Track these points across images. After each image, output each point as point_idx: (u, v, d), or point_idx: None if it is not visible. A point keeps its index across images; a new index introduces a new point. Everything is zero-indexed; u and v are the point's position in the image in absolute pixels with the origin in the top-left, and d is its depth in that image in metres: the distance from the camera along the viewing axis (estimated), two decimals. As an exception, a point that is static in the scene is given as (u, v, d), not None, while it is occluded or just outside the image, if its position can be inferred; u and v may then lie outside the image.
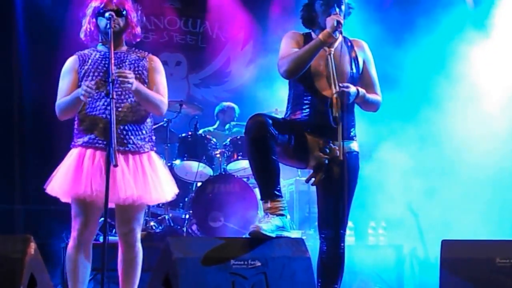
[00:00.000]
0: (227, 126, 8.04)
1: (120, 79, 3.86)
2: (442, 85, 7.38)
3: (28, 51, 8.48)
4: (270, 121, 3.90)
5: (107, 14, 4.01)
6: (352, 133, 4.19)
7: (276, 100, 7.19)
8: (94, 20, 4.13)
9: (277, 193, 3.95)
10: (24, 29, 8.56)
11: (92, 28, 4.15)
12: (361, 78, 4.23)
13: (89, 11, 4.16)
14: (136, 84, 3.97)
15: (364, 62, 4.26)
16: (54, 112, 4.09)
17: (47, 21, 8.28)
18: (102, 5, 4.10)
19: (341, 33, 4.07)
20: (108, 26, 4.00)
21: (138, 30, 4.24)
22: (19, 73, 8.55)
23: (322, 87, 4.09)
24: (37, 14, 8.43)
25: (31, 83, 8.35)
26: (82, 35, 4.20)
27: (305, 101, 4.12)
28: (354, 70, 4.17)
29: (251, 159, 3.99)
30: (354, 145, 4.20)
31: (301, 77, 4.10)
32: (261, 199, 4.00)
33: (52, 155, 4.19)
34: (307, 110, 4.11)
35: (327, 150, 4.05)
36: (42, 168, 4.14)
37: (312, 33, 4.26)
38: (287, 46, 4.15)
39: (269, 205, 3.93)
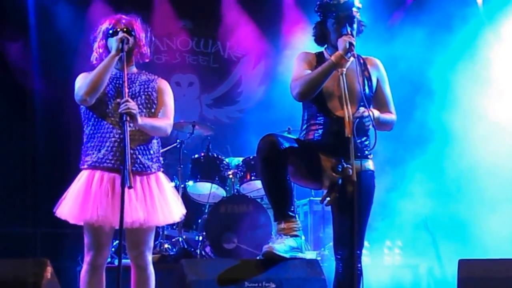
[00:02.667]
0: None
1: (127, 115, 3.85)
2: (460, 101, 7.37)
3: (41, 77, 8.55)
4: (282, 141, 3.88)
5: (120, 35, 4.03)
6: (367, 152, 4.15)
7: (289, 119, 7.16)
8: (103, 41, 4.15)
9: (291, 213, 3.91)
10: (37, 52, 8.65)
11: (101, 50, 4.16)
12: (375, 97, 4.19)
13: (99, 34, 4.18)
14: (140, 120, 3.95)
15: (378, 80, 4.22)
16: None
17: (60, 44, 8.37)
18: (111, 25, 4.12)
19: (353, 55, 4.04)
20: (121, 46, 4.02)
21: (145, 49, 4.23)
22: (33, 99, 8.62)
23: (334, 107, 4.06)
24: (50, 37, 8.54)
25: (45, 107, 8.40)
26: (93, 59, 4.21)
27: (318, 122, 4.10)
28: (367, 90, 4.13)
29: (263, 179, 3.97)
30: (369, 164, 4.15)
31: (314, 97, 4.08)
32: (275, 220, 3.97)
33: (68, 178, 4.17)
34: (320, 130, 4.09)
35: (340, 170, 4.01)
36: (58, 191, 4.13)
37: (324, 52, 4.24)
38: (299, 68, 4.13)
39: (282, 226, 3.90)
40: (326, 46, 4.26)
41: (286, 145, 3.89)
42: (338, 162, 4.01)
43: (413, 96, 7.38)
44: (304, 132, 4.19)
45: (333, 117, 4.05)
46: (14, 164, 8.45)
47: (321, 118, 4.09)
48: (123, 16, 4.20)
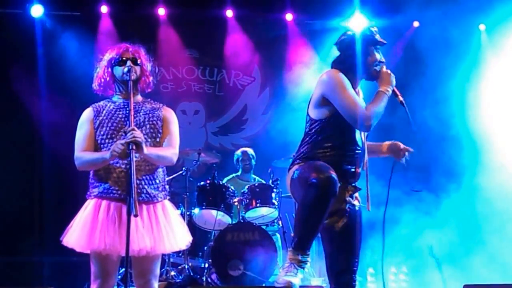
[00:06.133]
0: (252, 177, 8.10)
1: (133, 144, 3.90)
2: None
3: (49, 107, 8.62)
4: (336, 178, 3.83)
5: (127, 64, 4.11)
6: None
7: (293, 147, 7.22)
8: (109, 69, 4.18)
9: (310, 247, 3.94)
10: (44, 83, 8.74)
11: (108, 78, 4.19)
12: None
13: (103, 62, 4.21)
14: (146, 150, 3.99)
15: None
16: (73, 163, 4.13)
17: (67, 75, 8.45)
18: (118, 54, 4.17)
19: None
20: (127, 76, 4.09)
21: (151, 79, 4.27)
22: (39, 126, 8.69)
23: (359, 138, 4.15)
24: (57, 70, 8.63)
25: (51, 136, 8.46)
26: (95, 85, 4.24)
27: (342, 149, 4.09)
28: None
29: (308, 212, 3.85)
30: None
31: (346, 127, 4.08)
32: (294, 248, 3.90)
33: (74, 206, 4.21)
34: (343, 157, 4.08)
35: (354, 197, 4.08)
36: (65, 220, 4.16)
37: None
38: (353, 94, 4.04)
39: (299, 257, 3.87)
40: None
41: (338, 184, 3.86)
42: (354, 188, 4.12)
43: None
44: (321, 156, 4.07)
45: (356, 147, 4.12)
46: (21, 193, 8.50)
47: (345, 146, 4.10)
48: (129, 46, 4.25)
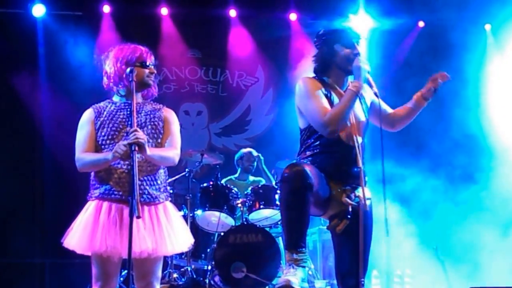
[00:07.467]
0: (251, 179, 8.05)
1: (136, 145, 3.84)
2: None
3: (51, 109, 8.62)
4: (309, 173, 3.81)
5: (148, 71, 4.10)
6: (367, 179, 4.18)
7: (297, 147, 7.19)
8: (124, 67, 4.06)
9: (303, 244, 3.89)
10: (46, 83, 8.73)
11: (123, 76, 4.06)
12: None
13: (116, 59, 4.09)
14: (149, 151, 3.94)
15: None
16: (74, 164, 4.08)
17: (69, 76, 8.43)
18: (144, 58, 4.10)
19: (370, 83, 4.09)
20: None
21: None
22: (40, 127, 8.68)
23: (347, 137, 4.07)
24: (59, 69, 8.62)
25: (53, 136, 8.45)
26: (109, 84, 4.13)
27: (330, 150, 4.06)
28: (368, 117, 4.22)
29: (286, 208, 3.88)
30: (368, 192, 4.16)
31: None
32: (287, 248, 3.91)
33: (75, 208, 4.16)
34: (333, 158, 4.05)
35: (353, 197, 4.01)
36: (66, 222, 4.12)
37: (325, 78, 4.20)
38: (318, 100, 4.02)
39: (295, 256, 3.85)
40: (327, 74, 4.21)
41: (312, 177, 3.83)
42: (353, 189, 4.05)
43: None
44: (312, 158, 4.11)
45: (346, 146, 4.06)
46: (22, 195, 8.48)
47: (334, 147, 4.06)
48: (147, 49, 4.19)
